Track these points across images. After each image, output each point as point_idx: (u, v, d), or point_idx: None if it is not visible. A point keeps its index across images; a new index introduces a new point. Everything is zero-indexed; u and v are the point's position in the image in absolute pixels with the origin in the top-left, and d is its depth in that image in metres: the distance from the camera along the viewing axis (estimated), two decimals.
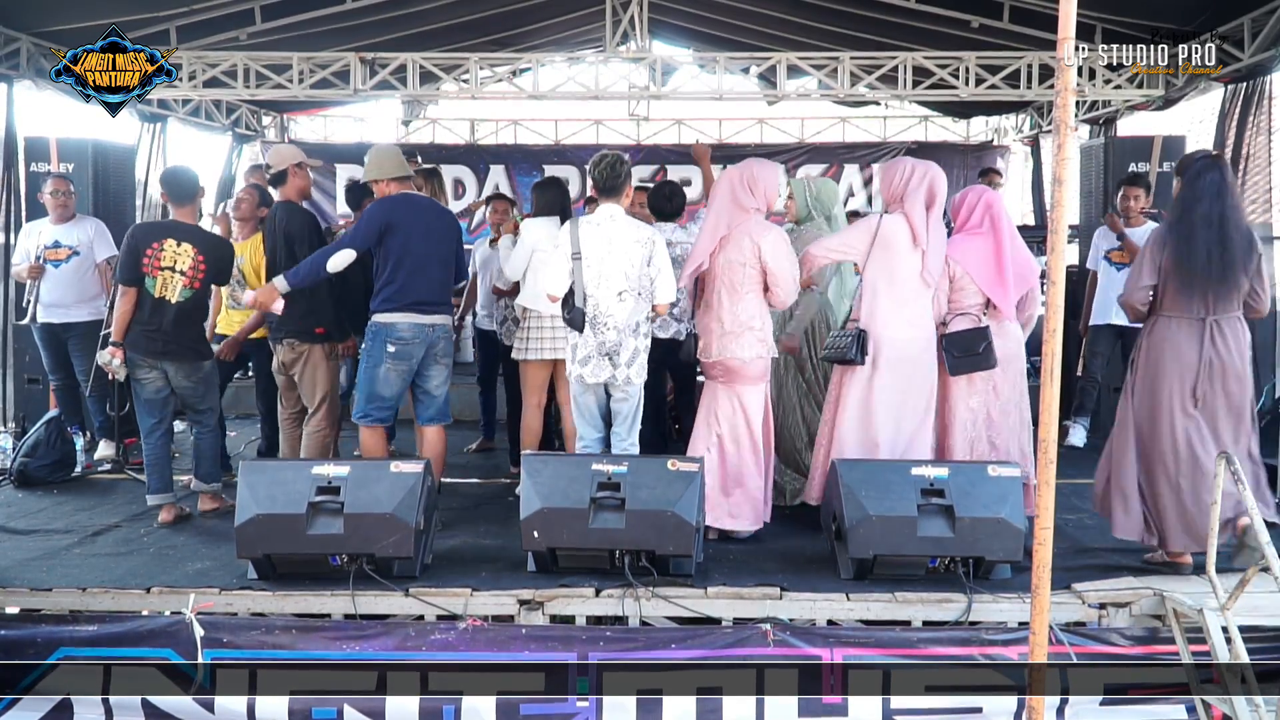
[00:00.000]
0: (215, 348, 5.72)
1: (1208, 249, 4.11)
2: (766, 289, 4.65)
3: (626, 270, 4.58)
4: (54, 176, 6.68)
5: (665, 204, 5.70)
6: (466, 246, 5.49)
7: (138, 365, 5.06)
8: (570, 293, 4.61)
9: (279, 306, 4.91)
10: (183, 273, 5.05)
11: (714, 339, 4.70)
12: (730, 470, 4.75)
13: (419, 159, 8.87)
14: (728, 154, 11.71)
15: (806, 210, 5.35)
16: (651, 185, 6.33)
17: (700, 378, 6.55)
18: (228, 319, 6.09)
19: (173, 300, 5.04)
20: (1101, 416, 6.94)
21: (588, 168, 4.84)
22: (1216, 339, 4.17)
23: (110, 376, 5.24)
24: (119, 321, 5.06)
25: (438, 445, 5.07)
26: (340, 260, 4.83)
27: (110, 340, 5.10)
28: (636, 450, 4.78)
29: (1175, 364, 4.19)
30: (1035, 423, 4.55)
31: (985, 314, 4.72)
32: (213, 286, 5.41)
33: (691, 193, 11.34)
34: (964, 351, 4.64)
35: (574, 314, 4.60)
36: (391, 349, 4.87)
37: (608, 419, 4.81)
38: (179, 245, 5.06)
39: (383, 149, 5.17)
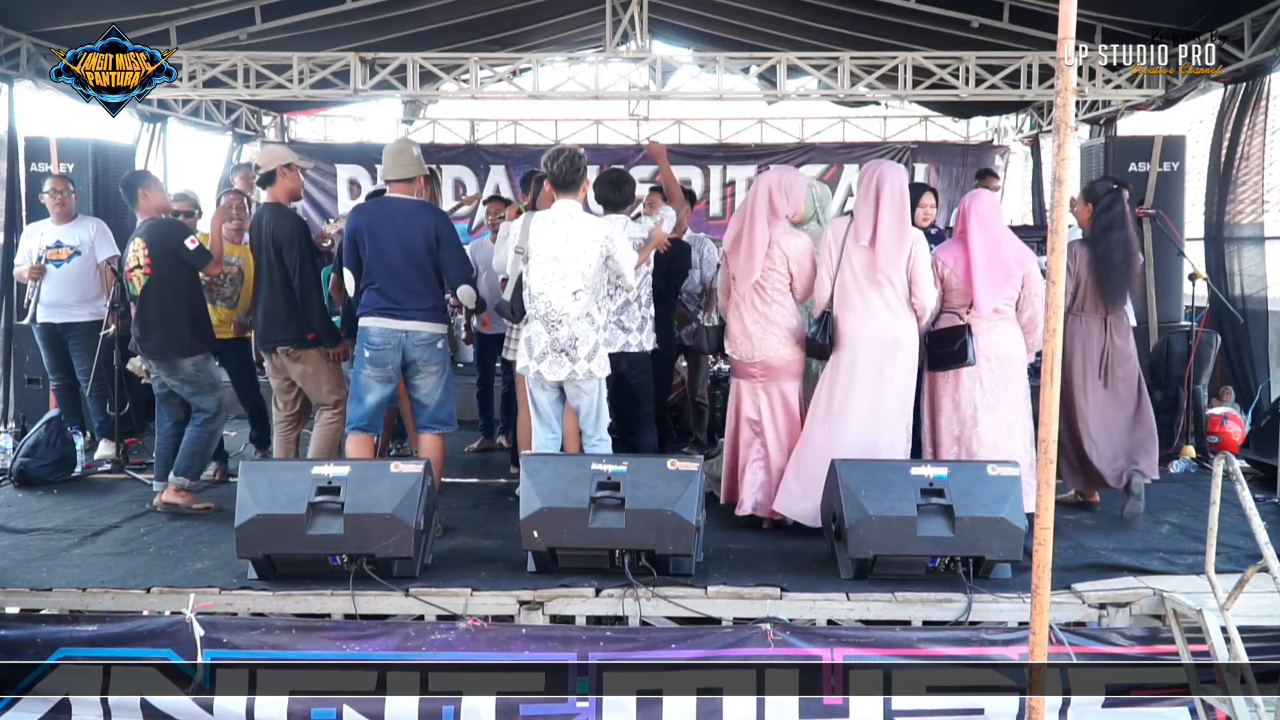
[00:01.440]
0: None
1: (1120, 266, 5.12)
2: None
3: (584, 270, 4.52)
4: (53, 177, 6.68)
5: (613, 193, 5.18)
6: (465, 245, 5.42)
7: (147, 362, 5.40)
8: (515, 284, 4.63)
9: None
10: (140, 266, 5.26)
11: (754, 341, 4.88)
12: (781, 460, 4.93)
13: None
14: (728, 154, 11.78)
15: (813, 212, 5.40)
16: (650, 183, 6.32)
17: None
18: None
19: (138, 293, 5.29)
20: None
21: (543, 161, 4.67)
22: (1113, 332, 5.19)
23: (143, 380, 5.58)
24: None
25: (431, 452, 4.95)
26: (346, 283, 4.99)
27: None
28: (608, 444, 4.78)
29: (1083, 353, 5.16)
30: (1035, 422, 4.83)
31: (967, 313, 4.88)
32: (200, 269, 5.42)
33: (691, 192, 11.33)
34: (941, 348, 4.86)
35: (501, 305, 4.69)
36: (366, 354, 4.82)
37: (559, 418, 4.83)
38: (134, 244, 5.33)
39: (389, 149, 5.02)
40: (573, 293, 4.53)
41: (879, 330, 4.74)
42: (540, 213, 4.67)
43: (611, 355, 5.01)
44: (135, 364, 5.42)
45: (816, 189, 5.52)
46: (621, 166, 5.48)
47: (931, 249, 5.01)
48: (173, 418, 5.46)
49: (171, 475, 5.32)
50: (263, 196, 5.36)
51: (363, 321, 4.85)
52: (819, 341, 4.80)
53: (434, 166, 7.36)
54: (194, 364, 5.33)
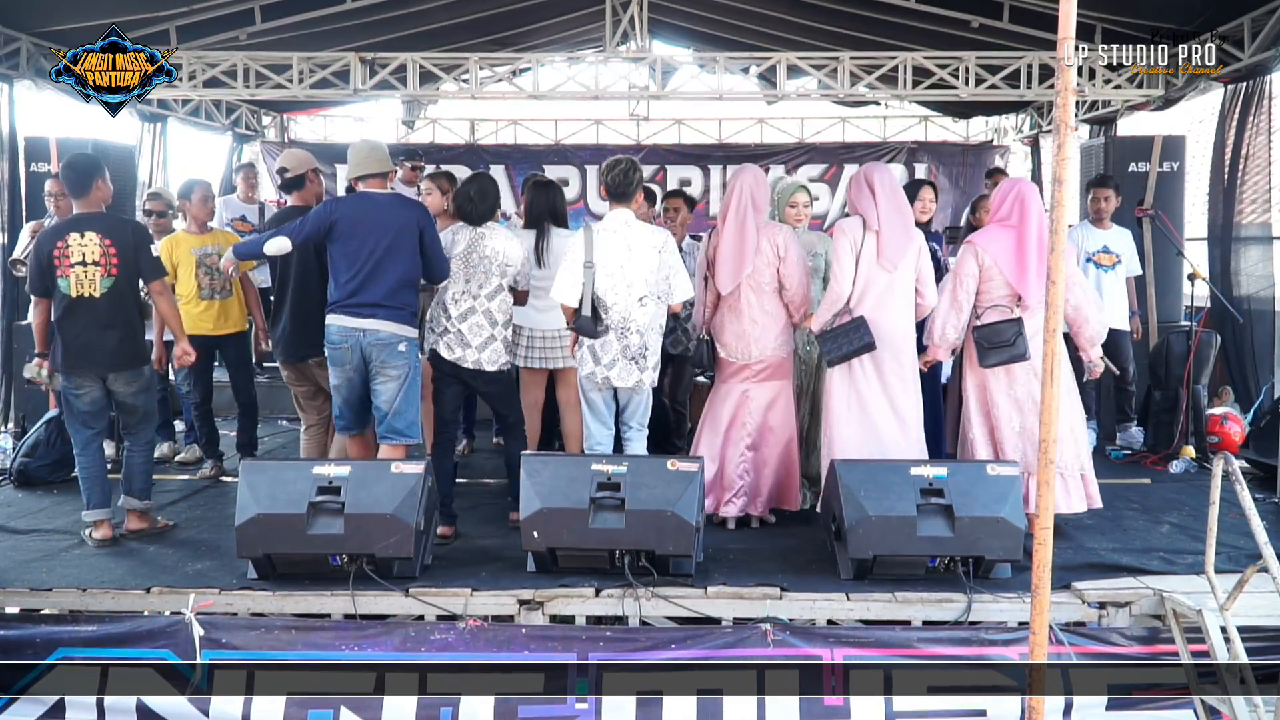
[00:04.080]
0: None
1: None
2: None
3: (646, 276, 4.60)
4: (52, 177, 6.66)
5: (470, 206, 4.87)
6: None
7: (72, 376, 4.76)
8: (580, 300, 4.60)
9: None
10: (96, 263, 4.71)
11: (750, 341, 4.86)
12: (780, 461, 4.96)
13: (422, 158, 8.87)
14: (728, 154, 11.78)
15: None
16: (655, 185, 6.27)
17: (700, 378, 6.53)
18: (196, 317, 5.92)
19: (96, 294, 4.72)
20: (1101, 419, 6.95)
21: (600, 171, 4.75)
22: None
23: (44, 389, 5.07)
24: (37, 333, 4.89)
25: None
26: (274, 246, 4.65)
27: (35, 351, 4.93)
28: (645, 439, 4.80)
29: None
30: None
31: (1016, 307, 4.71)
32: (150, 286, 4.94)
33: (691, 193, 11.35)
34: (994, 343, 4.69)
35: (581, 322, 4.58)
36: (326, 352, 4.72)
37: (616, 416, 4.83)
38: (83, 236, 4.71)
39: (358, 145, 4.86)
40: (639, 299, 4.59)
41: (895, 322, 4.75)
42: (599, 224, 4.70)
43: None
44: (34, 372, 4.81)
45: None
46: (486, 177, 5.19)
47: (935, 247, 4.96)
48: (99, 436, 4.94)
49: (135, 501, 4.94)
50: (273, 197, 5.30)
51: (326, 318, 4.71)
52: (868, 342, 4.72)
53: (449, 169, 7.23)
54: (149, 369, 5.01)
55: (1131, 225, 7.19)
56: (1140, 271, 6.91)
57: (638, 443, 4.79)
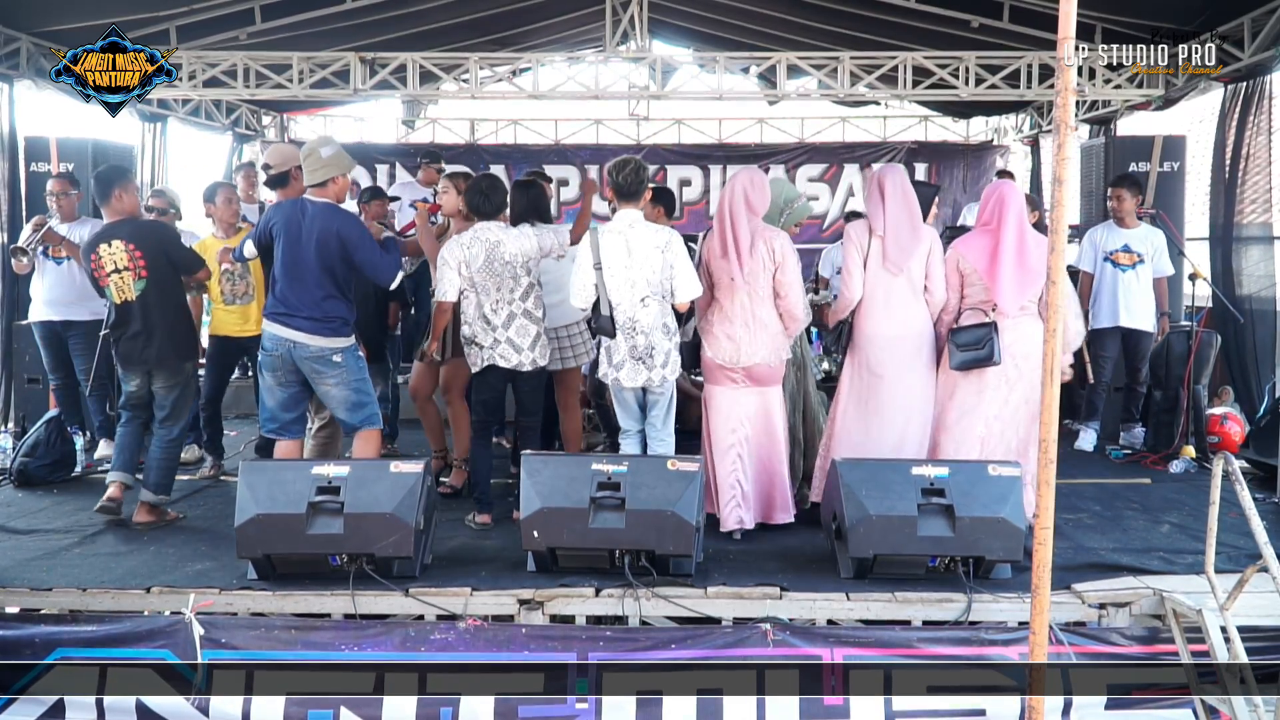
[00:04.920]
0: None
1: None
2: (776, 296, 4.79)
3: (649, 276, 4.60)
4: (54, 178, 6.66)
5: (483, 202, 4.97)
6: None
7: (126, 373, 5.20)
8: (595, 301, 4.64)
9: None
10: (126, 268, 5.02)
11: (740, 345, 4.77)
12: (763, 467, 4.89)
13: (443, 159, 8.82)
14: (728, 154, 11.78)
15: (778, 210, 5.26)
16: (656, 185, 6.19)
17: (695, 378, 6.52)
18: (222, 319, 5.98)
19: (134, 297, 5.03)
20: (1105, 418, 6.94)
21: (608, 171, 4.75)
22: None
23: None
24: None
25: (363, 450, 4.84)
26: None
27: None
28: (672, 442, 4.81)
29: None
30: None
31: (993, 312, 4.71)
32: (193, 288, 5.33)
33: (691, 193, 11.38)
34: (966, 347, 4.70)
35: (601, 321, 4.64)
36: (260, 357, 4.79)
37: (645, 411, 4.85)
38: (110, 246, 5.03)
39: (302, 153, 4.90)
40: (641, 299, 4.60)
41: (904, 325, 4.75)
42: (605, 225, 4.73)
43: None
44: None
45: (787, 189, 5.36)
46: (493, 174, 5.28)
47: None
48: (132, 417, 5.26)
49: (151, 495, 5.13)
50: (272, 197, 5.31)
51: (263, 324, 4.79)
52: (831, 350, 4.83)
53: (466, 170, 7.15)
54: (192, 366, 5.31)
55: None
56: (1171, 271, 6.70)
57: (660, 444, 4.79)
